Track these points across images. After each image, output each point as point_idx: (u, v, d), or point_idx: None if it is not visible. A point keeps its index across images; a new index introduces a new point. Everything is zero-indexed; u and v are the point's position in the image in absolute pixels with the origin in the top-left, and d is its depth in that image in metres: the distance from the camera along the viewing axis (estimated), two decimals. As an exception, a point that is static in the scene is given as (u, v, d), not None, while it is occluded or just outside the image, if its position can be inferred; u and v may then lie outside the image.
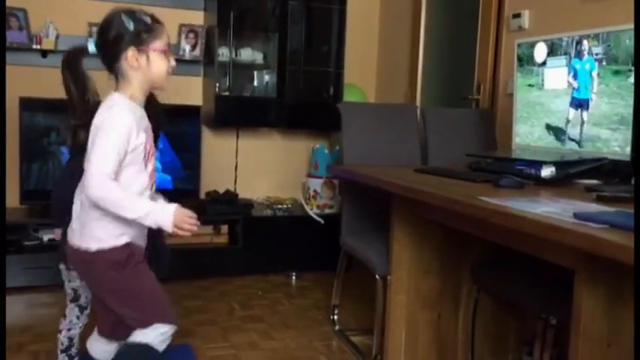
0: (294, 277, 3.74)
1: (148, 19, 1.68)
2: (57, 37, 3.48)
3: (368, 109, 3.16)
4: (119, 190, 1.60)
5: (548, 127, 2.26)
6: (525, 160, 2.09)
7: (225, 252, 3.70)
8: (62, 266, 2.08)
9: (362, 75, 4.29)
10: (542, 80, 2.27)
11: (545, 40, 2.26)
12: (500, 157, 2.37)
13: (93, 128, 1.63)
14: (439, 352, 2.45)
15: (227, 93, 3.78)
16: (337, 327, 2.90)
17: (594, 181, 1.98)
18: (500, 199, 1.63)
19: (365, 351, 2.63)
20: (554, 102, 2.23)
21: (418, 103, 3.80)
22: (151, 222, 1.62)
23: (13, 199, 3.41)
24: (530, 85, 2.34)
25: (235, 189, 4.00)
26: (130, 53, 1.64)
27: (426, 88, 3.86)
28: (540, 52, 2.27)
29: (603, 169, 2.01)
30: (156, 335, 1.74)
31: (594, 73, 2.05)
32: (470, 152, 2.50)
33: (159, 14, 1.77)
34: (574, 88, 2.14)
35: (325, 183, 3.88)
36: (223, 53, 3.75)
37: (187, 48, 3.80)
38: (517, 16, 2.97)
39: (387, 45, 4.29)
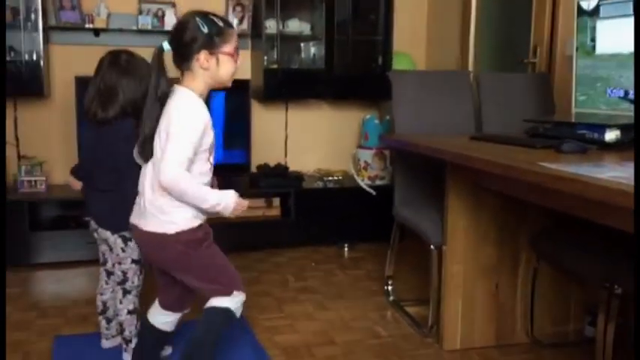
0: (346, 249, 3.74)
1: (221, 23, 1.77)
2: (108, 15, 3.53)
3: (419, 76, 3.08)
4: (194, 182, 1.73)
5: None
6: (588, 124, 2.00)
7: (277, 225, 3.72)
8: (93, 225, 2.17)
9: (411, 43, 4.19)
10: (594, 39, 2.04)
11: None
12: (561, 121, 2.27)
13: (166, 117, 1.73)
14: (497, 323, 2.41)
15: (275, 66, 3.76)
16: (391, 297, 2.89)
17: (663, 144, 1.88)
18: (563, 165, 1.57)
19: (420, 321, 2.61)
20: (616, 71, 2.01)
21: (471, 69, 3.69)
22: (218, 209, 1.77)
23: (72, 176, 3.51)
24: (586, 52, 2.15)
25: (286, 162, 4.01)
26: (203, 56, 1.73)
27: (478, 54, 3.74)
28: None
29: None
30: (235, 302, 1.86)
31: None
32: (527, 118, 2.41)
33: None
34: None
35: (376, 154, 3.84)
36: (270, 26, 3.72)
37: (235, 22, 3.78)
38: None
39: (437, 9, 4.16)
